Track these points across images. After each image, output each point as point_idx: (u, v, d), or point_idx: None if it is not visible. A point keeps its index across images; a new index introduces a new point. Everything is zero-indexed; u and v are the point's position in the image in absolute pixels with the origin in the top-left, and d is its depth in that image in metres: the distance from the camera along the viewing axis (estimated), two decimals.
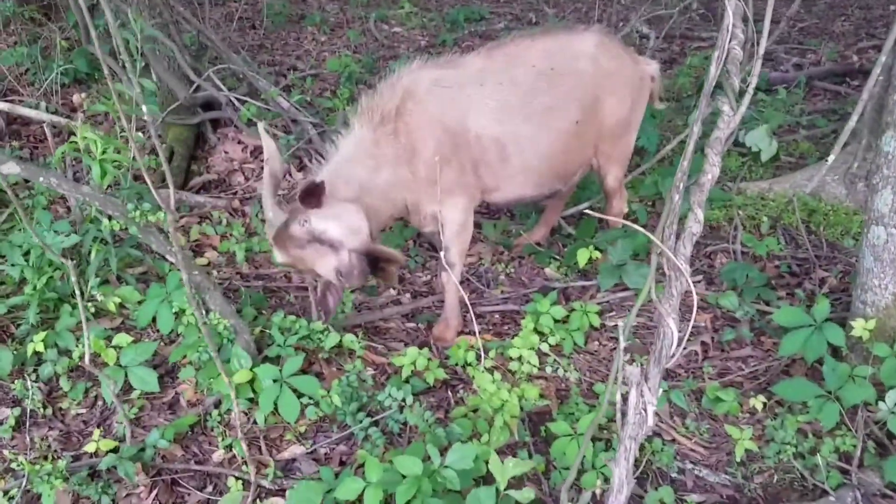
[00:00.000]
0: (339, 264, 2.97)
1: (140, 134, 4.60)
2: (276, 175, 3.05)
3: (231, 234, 4.26)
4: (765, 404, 3.08)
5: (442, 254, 3.34)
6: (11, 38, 6.52)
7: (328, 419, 3.10)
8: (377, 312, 3.83)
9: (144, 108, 1.71)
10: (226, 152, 5.16)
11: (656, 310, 3.71)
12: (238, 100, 5.16)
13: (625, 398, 2.36)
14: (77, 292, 2.43)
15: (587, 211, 2.40)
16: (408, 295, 4.06)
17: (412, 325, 3.81)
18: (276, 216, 2.96)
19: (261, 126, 3.22)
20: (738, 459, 2.88)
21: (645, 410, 2.24)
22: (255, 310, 3.59)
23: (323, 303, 3.26)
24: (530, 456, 2.87)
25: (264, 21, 7.68)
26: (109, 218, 3.12)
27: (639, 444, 2.25)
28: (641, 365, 3.31)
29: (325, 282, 3.23)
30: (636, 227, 2.50)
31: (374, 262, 3.08)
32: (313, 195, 2.87)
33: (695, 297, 2.38)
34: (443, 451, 2.56)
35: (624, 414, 2.32)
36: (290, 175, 4.95)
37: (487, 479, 2.59)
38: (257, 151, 5.20)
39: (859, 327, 3.02)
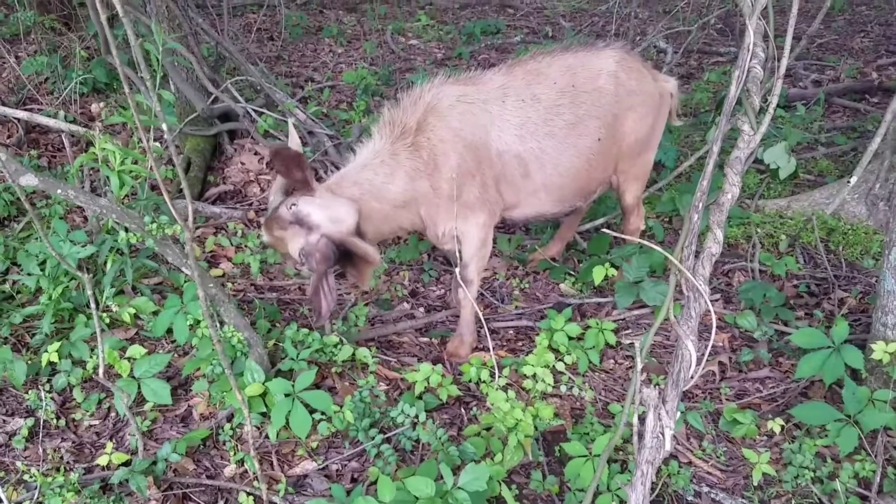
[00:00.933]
0: (306, 244, 3.00)
1: (157, 144, 4.62)
2: None
3: (246, 246, 4.26)
4: (783, 427, 3.03)
5: (458, 269, 3.33)
6: (32, 46, 6.59)
7: (340, 435, 3.08)
8: (390, 326, 3.81)
9: (164, 122, 1.71)
10: (242, 163, 5.17)
11: (673, 328, 3.70)
12: (255, 111, 5.19)
13: (641, 419, 2.33)
14: (93, 304, 2.43)
15: (604, 230, 2.37)
16: (421, 309, 4.04)
17: (425, 339, 3.79)
18: (275, 199, 3.07)
19: (290, 122, 3.35)
20: (755, 483, 2.83)
21: (662, 434, 2.21)
22: (268, 322, 3.58)
23: (315, 301, 3.17)
24: (544, 477, 2.84)
25: (282, 33, 7.72)
26: (126, 230, 3.13)
27: (656, 468, 2.22)
28: (657, 385, 3.28)
29: (316, 280, 3.20)
30: (653, 245, 2.47)
31: (346, 256, 3.09)
32: (287, 161, 2.88)
33: (713, 319, 2.35)
34: (455, 470, 2.54)
35: (641, 436, 2.29)
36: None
37: (501, 499, 2.56)
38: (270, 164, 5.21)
39: (879, 350, 2.97)
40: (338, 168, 4.93)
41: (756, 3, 2.85)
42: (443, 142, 3.21)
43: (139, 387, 3.05)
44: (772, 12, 3.00)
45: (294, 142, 3.22)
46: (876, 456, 2.84)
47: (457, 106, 3.26)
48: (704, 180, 2.57)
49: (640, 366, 2.23)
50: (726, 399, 3.30)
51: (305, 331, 3.34)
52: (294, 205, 3.00)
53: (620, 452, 2.91)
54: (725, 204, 2.59)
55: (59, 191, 2.67)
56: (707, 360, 3.45)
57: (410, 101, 3.28)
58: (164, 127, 1.77)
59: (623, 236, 2.44)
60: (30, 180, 2.60)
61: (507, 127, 3.28)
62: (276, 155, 2.88)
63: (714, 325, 2.34)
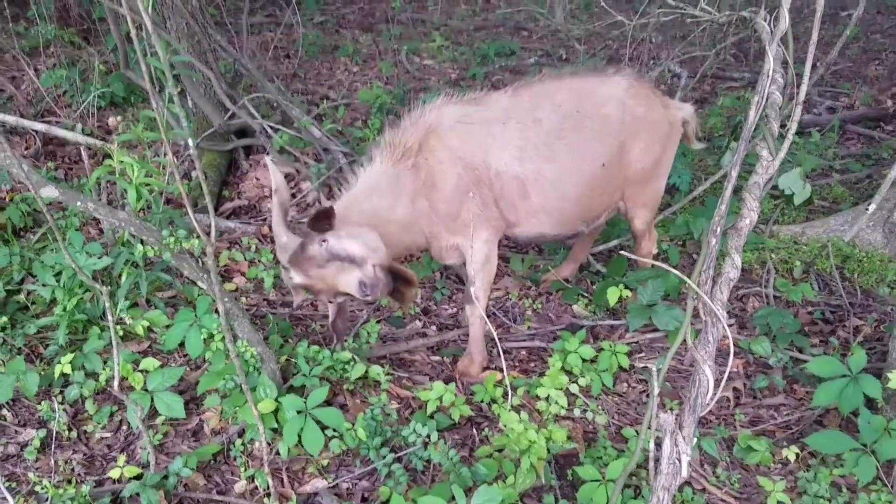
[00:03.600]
0: (364, 276, 2.96)
1: (174, 158, 4.65)
2: (284, 204, 3.08)
3: (259, 261, 4.27)
4: (798, 455, 3.00)
5: (467, 286, 3.34)
6: (51, 60, 6.66)
7: (351, 453, 3.06)
8: (402, 344, 3.80)
9: (189, 138, 1.72)
10: (257, 179, 5.20)
11: (686, 353, 3.68)
12: (271, 127, 5.22)
13: (657, 444, 2.31)
14: (109, 317, 2.43)
15: (621, 252, 2.37)
16: (433, 327, 4.04)
17: (437, 358, 3.78)
18: (291, 240, 2.99)
19: (268, 159, 3.25)
20: None
21: (679, 460, 2.19)
22: (281, 338, 3.58)
23: (335, 327, 3.25)
24: (556, 500, 2.81)
25: (299, 51, 7.78)
26: (142, 243, 3.15)
27: (672, 494, 2.19)
28: (671, 409, 3.25)
29: (336, 307, 3.23)
30: (669, 268, 2.46)
31: (393, 281, 3.09)
32: (322, 220, 2.90)
33: (731, 346, 2.34)
34: (467, 492, 2.52)
35: (657, 462, 2.27)
36: (320, 202, 4.98)
37: None
38: (288, 179, 5.24)
39: (895, 379, 2.94)
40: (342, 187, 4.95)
41: (776, 30, 2.86)
42: (441, 163, 3.23)
43: (152, 400, 3.05)
44: (791, 39, 3.01)
45: (277, 179, 3.08)
46: (892, 486, 2.81)
47: (457, 127, 3.28)
48: (723, 205, 2.57)
49: (656, 391, 2.22)
50: (740, 425, 3.27)
51: (317, 347, 3.34)
52: (324, 241, 2.96)
53: (633, 478, 2.89)
54: (743, 229, 2.59)
55: (78, 203, 2.69)
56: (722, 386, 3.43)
57: (411, 122, 3.31)
58: (190, 142, 1.79)
59: (638, 258, 2.43)
60: (50, 192, 2.62)
61: (507, 148, 3.28)
62: (317, 217, 2.87)
63: (732, 351, 2.32)
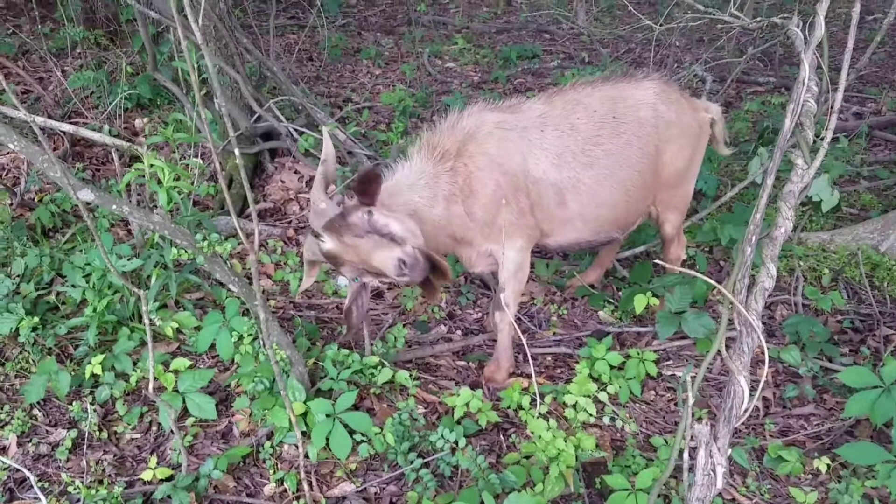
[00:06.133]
0: (405, 255, 2.86)
1: (200, 161, 4.68)
2: (328, 175, 3.04)
3: (285, 263, 4.29)
4: (829, 466, 2.97)
5: (497, 293, 3.32)
6: (78, 61, 6.73)
7: (379, 457, 3.07)
8: (427, 349, 3.81)
9: (233, 140, 1.73)
10: (282, 181, 5.23)
11: (714, 361, 3.65)
12: (297, 130, 5.24)
13: (688, 454, 2.29)
14: (145, 319, 2.45)
15: (656, 261, 2.36)
16: (459, 332, 4.03)
17: (462, 363, 3.78)
18: (330, 207, 2.93)
19: (325, 130, 3.25)
20: None
21: (714, 472, 2.17)
22: (308, 340, 3.59)
23: (348, 316, 3.20)
24: None
25: (322, 54, 7.81)
26: (171, 244, 3.17)
27: None
28: (700, 419, 3.23)
29: (354, 293, 3.20)
30: (701, 275, 2.44)
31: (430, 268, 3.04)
32: (370, 182, 2.87)
33: (766, 356, 2.32)
34: (496, 499, 2.51)
35: (690, 469, 2.25)
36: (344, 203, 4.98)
37: None
38: (312, 182, 5.25)
39: None
40: None
41: (812, 38, 2.84)
42: (480, 169, 3.21)
43: (184, 401, 3.07)
44: (826, 46, 2.98)
45: (328, 150, 3.10)
46: None
47: (495, 133, 3.27)
48: (758, 213, 2.55)
49: (691, 400, 2.20)
50: (770, 435, 3.24)
51: (346, 351, 3.35)
52: (369, 213, 2.90)
53: (663, 487, 2.87)
54: (779, 238, 2.56)
55: (114, 206, 2.71)
56: (751, 396, 3.41)
57: (448, 126, 3.30)
58: (234, 144, 1.80)
59: (666, 264, 2.42)
60: (86, 195, 2.65)
61: (544, 155, 3.27)
62: (363, 179, 2.84)
63: (767, 360, 2.31)
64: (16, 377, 3.45)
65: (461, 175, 3.22)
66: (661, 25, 5.04)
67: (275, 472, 2.95)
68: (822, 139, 2.83)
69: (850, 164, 5.54)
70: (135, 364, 3.34)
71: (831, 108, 2.90)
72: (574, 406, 3.19)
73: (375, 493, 2.93)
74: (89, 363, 3.23)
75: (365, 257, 2.92)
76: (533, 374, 3.04)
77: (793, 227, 2.55)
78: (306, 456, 2.99)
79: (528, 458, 2.97)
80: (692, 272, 2.40)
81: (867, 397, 3.03)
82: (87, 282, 3.59)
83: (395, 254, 2.88)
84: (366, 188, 2.90)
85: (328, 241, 2.92)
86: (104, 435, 3.14)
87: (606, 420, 3.30)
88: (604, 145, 3.34)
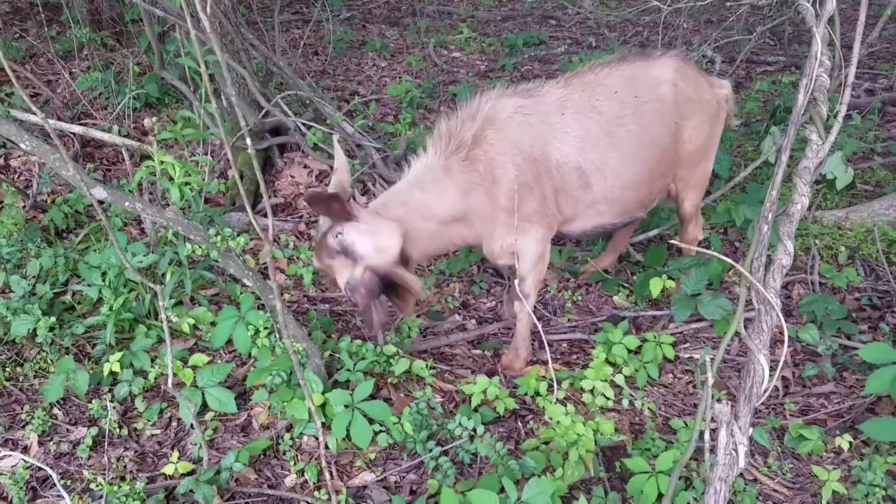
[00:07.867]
0: (350, 278, 3.01)
1: (210, 158, 4.69)
2: (342, 185, 3.11)
3: (298, 258, 4.30)
4: (850, 444, 2.95)
5: (516, 283, 3.31)
6: (85, 63, 6.76)
7: (398, 446, 3.07)
8: (442, 338, 3.80)
9: (248, 137, 1.73)
10: (292, 176, 5.23)
11: (732, 342, 3.63)
12: (305, 125, 5.24)
13: (709, 435, 2.28)
14: (163, 316, 2.46)
15: (672, 241, 2.34)
16: (473, 321, 4.03)
17: (477, 352, 3.77)
18: (323, 223, 3.04)
19: (335, 138, 3.33)
20: (824, 501, 2.75)
21: (736, 451, 2.16)
22: (323, 333, 3.60)
23: (366, 315, 3.23)
24: (606, 493, 2.79)
25: (327, 47, 7.80)
26: (185, 240, 3.17)
27: (730, 485, 2.16)
28: (719, 400, 3.21)
29: (366, 300, 3.23)
30: (719, 255, 2.42)
31: (390, 286, 3.12)
32: (319, 204, 2.94)
33: (785, 334, 2.30)
34: (516, 484, 2.51)
35: (712, 452, 2.24)
36: (355, 198, 4.98)
37: None
38: (323, 175, 5.26)
39: None
40: (385, 181, 4.96)
41: (823, 12, 2.80)
42: (501, 154, 3.18)
43: (203, 396, 3.08)
44: (837, 20, 2.94)
45: (340, 159, 3.22)
46: None
47: (515, 117, 3.23)
48: (773, 190, 2.52)
49: (711, 381, 2.19)
50: (791, 415, 3.22)
51: (360, 342, 3.35)
52: (340, 233, 3.00)
53: (684, 469, 2.86)
54: (795, 215, 2.53)
55: (126, 204, 2.72)
56: (771, 376, 3.39)
57: (468, 114, 3.25)
58: (248, 140, 1.80)
59: (683, 245, 2.40)
60: (100, 193, 2.66)
61: (567, 139, 3.24)
62: (312, 201, 2.92)
63: (787, 339, 2.29)
64: (35, 377, 3.48)
65: (481, 162, 3.18)
66: (668, 6, 4.99)
67: (295, 464, 2.96)
68: (835, 115, 2.79)
69: (863, 140, 5.48)
70: (153, 361, 3.36)
71: (845, 82, 2.86)
72: (591, 391, 3.18)
73: (396, 482, 2.94)
74: (107, 361, 3.25)
75: (333, 278, 3.07)
76: (549, 361, 3.03)
77: (808, 204, 2.53)
78: (326, 446, 3.00)
79: (546, 443, 2.97)
80: (710, 252, 2.38)
81: (888, 373, 3.01)
82: (103, 281, 3.60)
83: (346, 276, 2.97)
84: (326, 210, 2.95)
85: (315, 260, 3.10)
86: (124, 432, 3.16)
87: (625, 404, 3.29)
88: (627, 126, 3.31)
